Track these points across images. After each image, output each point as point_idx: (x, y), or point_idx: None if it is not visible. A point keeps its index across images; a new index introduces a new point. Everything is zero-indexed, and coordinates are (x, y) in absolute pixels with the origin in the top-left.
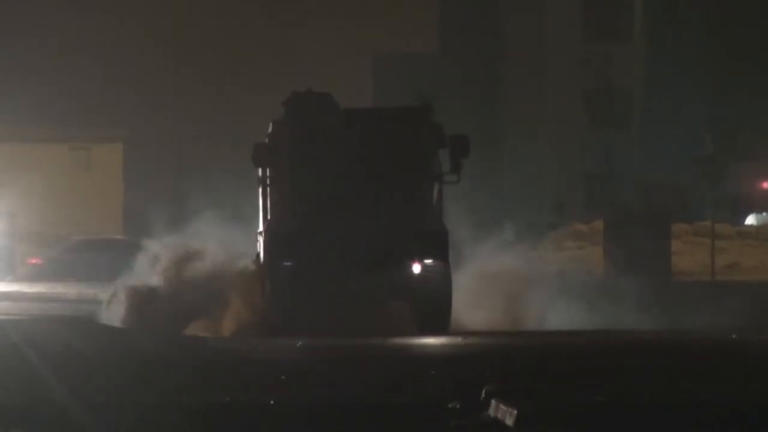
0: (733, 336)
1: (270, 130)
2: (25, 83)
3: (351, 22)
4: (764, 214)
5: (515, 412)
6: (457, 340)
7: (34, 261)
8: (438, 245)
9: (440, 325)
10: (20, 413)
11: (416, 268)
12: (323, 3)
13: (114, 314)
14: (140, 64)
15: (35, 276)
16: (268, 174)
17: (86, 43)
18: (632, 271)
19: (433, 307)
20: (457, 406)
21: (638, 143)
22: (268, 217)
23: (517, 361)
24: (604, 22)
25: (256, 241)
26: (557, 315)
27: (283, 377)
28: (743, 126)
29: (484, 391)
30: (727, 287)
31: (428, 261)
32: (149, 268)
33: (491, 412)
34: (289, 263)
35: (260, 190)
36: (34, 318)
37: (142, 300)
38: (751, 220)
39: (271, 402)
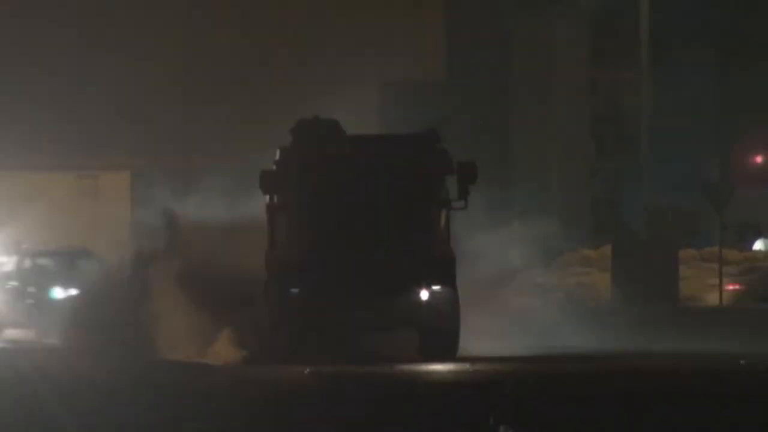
0: (742, 362)
1: (277, 157)
2: (31, 112)
3: (358, 50)
4: None
5: None
6: (465, 366)
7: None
8: (445, 271)
9: (448, 352)
10: None
11: (424, 295)
12: (330, 31)
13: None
14: (148, 93)
15: None
16: (275, 201)
17: (93, 72)
18: (640, 297)
19: (440, 333)
20: None
21: (646, 169)
22: (276, 243)
23: (525, 388)
24: (612, 48)
25: (264, 267)
26: (565, 340)
27: (293, 402)
28: (751, 152)
29: (492, 418)
30: (734, 313)
31: (436, 287)
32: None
33: None
34: (296, 290)
35: (268, 216)
36: (42, 346)
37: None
38: (758, 245)
39: (279, 430)
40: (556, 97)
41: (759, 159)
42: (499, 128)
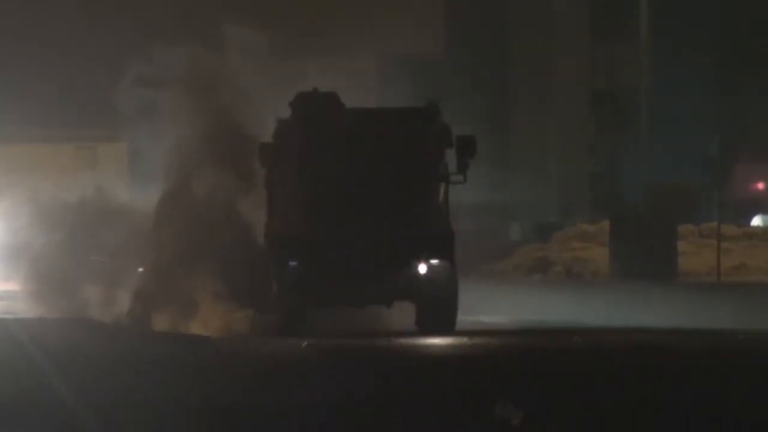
0: (740, 337)
1: (275, 129)
2: (29, 84)
3: (358, 24)
4: None
5: (521, 412)
6: (463, 340)
7: None
8: (444, 246)
9: (446, 326)
10: (28, 416)
11: (422, 269)
12: (330, 5)
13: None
14: (146, 64)
15: None
16: (273, 173)
17: (90, 43)
18: (638, 272)
19: (438, 307)
20: (463, 406)
21: (645, 144)
22: (274, 216)
23: (524, 361)
24: (611, 24)
25: (263, 240)
26: (563, 314)
27: (288, 378)
28: (751, 127)
29: (490, 391)
30: (733, 288)
31: (434, 261)
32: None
33: (497, 412)
34: (294, 263)
35: (266, 189)
36: (39, 317)
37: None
38: (757, 221)
39: (277, 403)
40: (556, 73)
41: (761, 186)
42: (498, 104)
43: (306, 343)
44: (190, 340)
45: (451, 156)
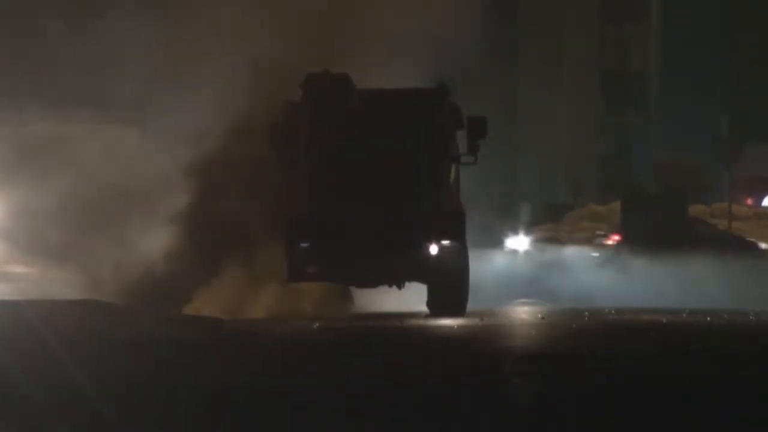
0: (751, 317)
1: (286, 111)
2: (38, 67)
3: (366, 4)
4: None
5: (535, 392)
6: (475, 320)
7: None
8: (455, 227)
9: (457, 306)
10: (38, 396)
11: (433, 250)
12: None
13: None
14: (151, 45)
15: None
16: (284, 155)
17: (101, 27)
18: (649, 252)
19: (450, 288)
20: (477, 386)
21: (655, 124)
22: (286, 197)
23: (537, 341)
24: (621, 4)
25: (275, 221)
26: (577, 296)
27: (299, 360)
28: (760, 107)
29: (503, 372)
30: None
31: (445, 242)
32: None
33: (510, 392)
34: (306, 244)
35: (278, 170)
36: (50, 299)
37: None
38: None
39: (286, 385)
40: (566, 53)
41: (749, 201)
42: (508, 85)
43: (317, 324)
44: (202, 322)
45: (461, 137)
